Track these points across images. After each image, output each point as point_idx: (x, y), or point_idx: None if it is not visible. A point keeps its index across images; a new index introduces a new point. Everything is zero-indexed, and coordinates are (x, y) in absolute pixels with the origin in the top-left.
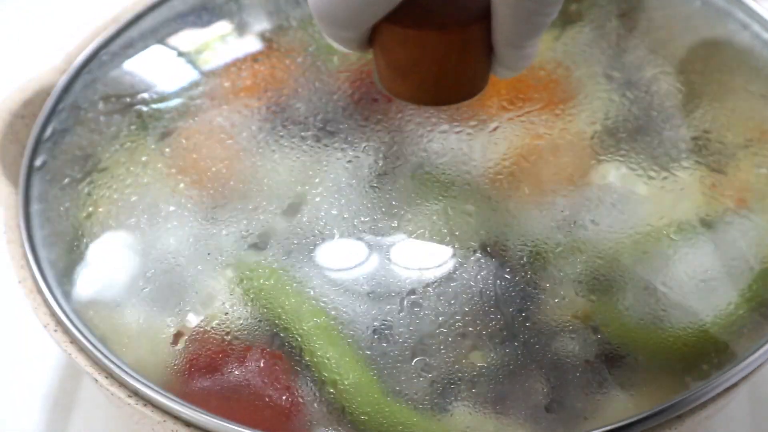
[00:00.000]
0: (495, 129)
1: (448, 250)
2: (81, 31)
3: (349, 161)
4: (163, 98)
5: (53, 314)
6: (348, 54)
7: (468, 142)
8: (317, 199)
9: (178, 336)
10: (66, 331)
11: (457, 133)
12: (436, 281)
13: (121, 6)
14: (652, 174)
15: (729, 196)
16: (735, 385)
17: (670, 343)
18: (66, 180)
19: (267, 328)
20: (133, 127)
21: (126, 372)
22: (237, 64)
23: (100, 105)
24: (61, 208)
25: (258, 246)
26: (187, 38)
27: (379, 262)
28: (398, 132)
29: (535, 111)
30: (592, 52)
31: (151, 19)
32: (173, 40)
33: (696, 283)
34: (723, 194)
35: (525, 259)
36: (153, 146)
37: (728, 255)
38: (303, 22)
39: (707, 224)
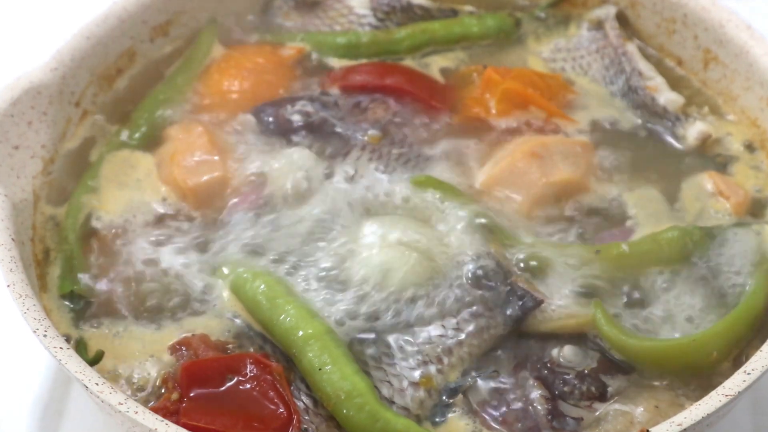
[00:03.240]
0: (493, 136)
1: (446, 256)
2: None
3: (344, 166)
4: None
5: (43, 319)
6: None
7: (465, 149)
8: (313, 203)
9: (171, 343)
10: (56, 336)
11: (454, 139)
12: (432, 290)
13: (106, 4)
14: (654, 181)
15: (730, 202)
16: (736, 395)
17: (670, 353)
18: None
19: (261, 335)
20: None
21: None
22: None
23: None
24: (53, 214)
25: (252, 252)
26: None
27: (375, 267)
28: (392, 138)
29: (533, 119)
30: (591, 58)
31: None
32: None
33: (695, 293)
34: (724, 200)
35: (524, 266)
36: (144, 152)
37: (727, 264)
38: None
39: (709, 233)
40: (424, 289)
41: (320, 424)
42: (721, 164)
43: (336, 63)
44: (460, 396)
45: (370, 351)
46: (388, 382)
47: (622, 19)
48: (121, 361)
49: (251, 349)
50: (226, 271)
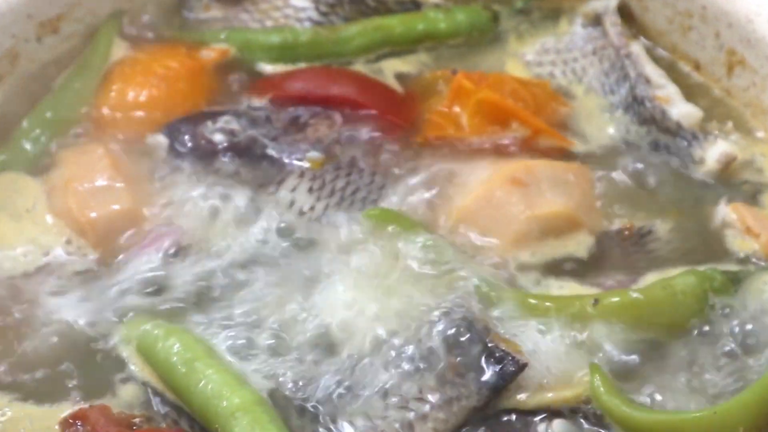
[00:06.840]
0: (464, 159)
1: (406, 309)
2: None
3: (277, 198)
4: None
5: None
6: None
7: (430, 175)
8: (239, 246)
9: (63, 416)
10: None
11: (416, 163)
12: (389, 351)
13: None
14: (665, 215)
15: (759, 241)
16: None
17: (686, 428)
18: None
19: (176, 406)
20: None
21: None
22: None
23: None
24: None
25: (162, 305)
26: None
27: (318, 325)
28: (338, 162)
29: (515, 137)
30: (587, 62)
31: None
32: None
33: (716, 354)
34: (752, 239)
35: (503, 321)
36: (31, 176)
37: (755, 318)
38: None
39: (733, 279)
40: (379, 350)
41: None
42: (749, 193)
43: (268, 68)
44: None
45: (311, 426)
46: None
47: (625, 12)
48: None
49: (163, 425)
50: (131, 327)
